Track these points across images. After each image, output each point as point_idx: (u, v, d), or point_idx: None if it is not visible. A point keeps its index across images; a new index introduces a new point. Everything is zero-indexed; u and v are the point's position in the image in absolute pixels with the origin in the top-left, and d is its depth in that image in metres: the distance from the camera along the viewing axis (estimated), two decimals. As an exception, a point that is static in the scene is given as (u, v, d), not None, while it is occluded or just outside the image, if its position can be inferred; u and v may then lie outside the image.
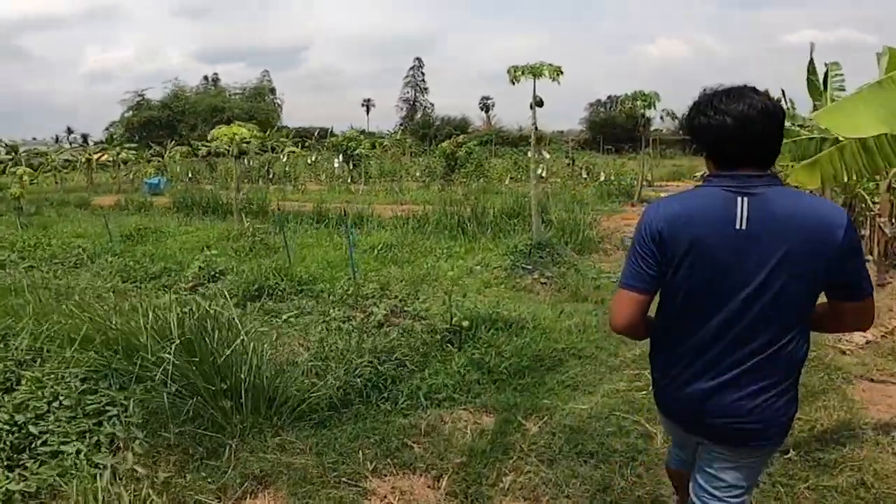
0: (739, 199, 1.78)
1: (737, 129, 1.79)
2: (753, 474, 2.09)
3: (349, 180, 25.61)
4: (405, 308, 6.25)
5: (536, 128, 8.89)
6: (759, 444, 1.97)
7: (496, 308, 5.89)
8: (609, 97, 62.67)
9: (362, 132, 59.38)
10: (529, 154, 9.12)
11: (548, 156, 22.80)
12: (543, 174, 21.86)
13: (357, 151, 25.52)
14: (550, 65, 8.18)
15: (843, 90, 12.31)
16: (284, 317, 6.18)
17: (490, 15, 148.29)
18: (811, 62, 12.92)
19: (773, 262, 1.77)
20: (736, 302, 1.82)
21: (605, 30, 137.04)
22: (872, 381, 5.05)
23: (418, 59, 77.95)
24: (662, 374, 2.06)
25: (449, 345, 5.34)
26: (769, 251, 1.77)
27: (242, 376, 3.95)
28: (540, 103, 8.27)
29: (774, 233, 1.76)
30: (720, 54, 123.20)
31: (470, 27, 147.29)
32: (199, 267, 7.93)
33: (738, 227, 1.78)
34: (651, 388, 2.23)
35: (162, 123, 61.09)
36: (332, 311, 6.29)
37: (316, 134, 52.27)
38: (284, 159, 28.50)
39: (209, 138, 14.74)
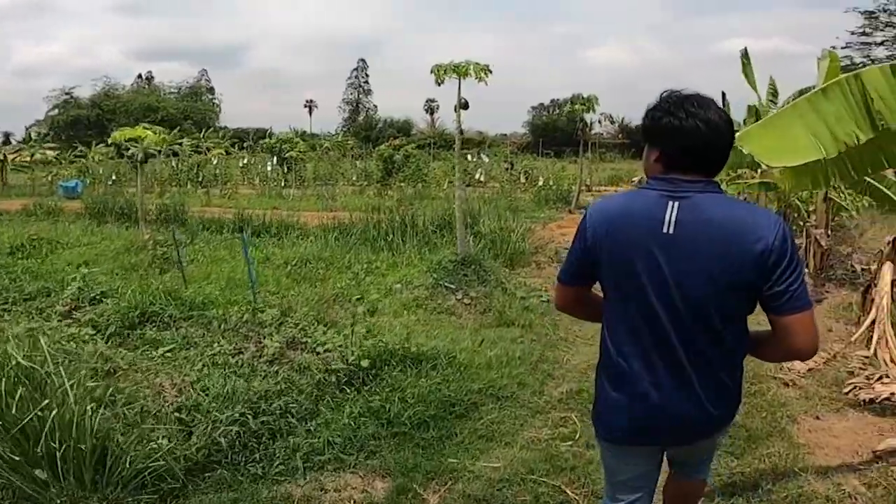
0: (671, 202, 1.78)
1: (709, 136, 1.79)
2: (713, 447, 2.31)
3: (283, 184, 24.51)
4: (306, 338, 5.42)
5: (462, 131, 8.13)
6: (706, 437, 2.05)
7: (407, 340, 5.12)
8: (552, 101, 63.12)
9: (303, 134, 58.01)
10: (455, 159, 8.35)
11: (487, 159, 22.26)
12: (482, 178, 21.32)
13: (289, 154, 24.41)
14: (477, 63, 7.47)
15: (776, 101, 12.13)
16: (161, 350, 5.26)
17: (439, 17, 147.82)
18: (748, 67, 12.72)
19: (699, 266, 1.76)
20: (666, 305, 1.81)
21: (552, 34, 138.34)
22: (818, 418, 4.53)
23: (362, 60, 76.82)
24: (608, 383, 1.99)
25: (347, 387, 4.55)
26: (695, 256, 1.76)
27: (59, 438, 3.10)
28: (465, 105, 7.56)
29: (702, 238, 1.75)
30: (661, 60, 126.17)
31: (418, 29, 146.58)
32: (79, 287, 6.89)
33: (664, 230, 1.78)
34: (595, 415, 2.11)
35: (91, 123, 58.15)
36: (221, 342, 5.41)
37: (252, 135, 50.74)
38: (215, 161, 27.08)
39: (109, 141, 13.51)
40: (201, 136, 42.03)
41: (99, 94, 61.36)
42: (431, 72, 7.45)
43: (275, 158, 25.22)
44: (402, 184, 21.35)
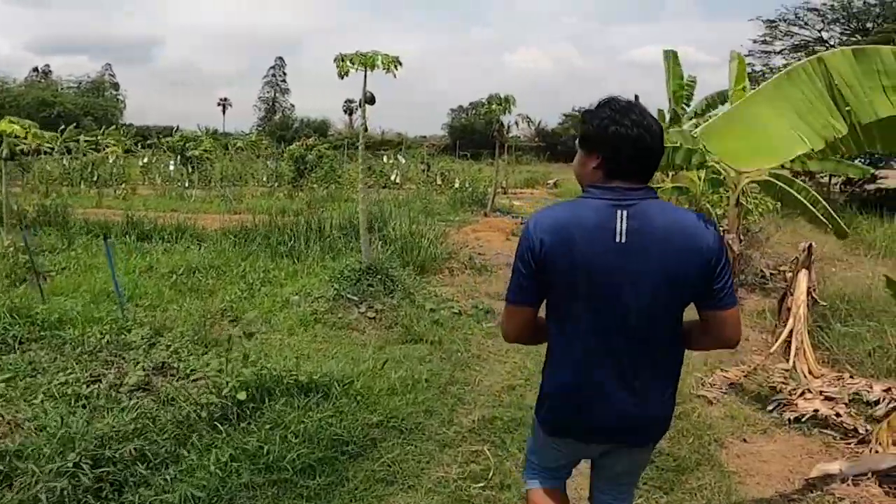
0: (619, 211, 1.79)
1: (653, 144, 1.83)
2: (643, 459, 2.22)
3: (186, 185, 22.96)
4: (178, 363, 4.62)
5: (366, 128, 7.40)
6: (644, 441, 2.07)
7: (296, 366, 4.42)
8: (471, 104, 63.14)
9: (213, 133, 55.34)
10: (359, 157, 7.66)
11: (403, 161, 21.65)
12: (398, 180, 20.67)
13: (193, 153, 22.91)
14: (386, 55, 6.83)
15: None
16: (-2, 380, 4.33)
17: (360, 18, 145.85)
18: (677, 65, 12.68)
19: (651, 273, 1.80)
20: (617, 313, 1.83)
21: (473, 38, 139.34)
22: (745, 441, 4.19)
23: (280, 58, 74.33)
24: (553, 383, 2.01)
25: (220, 424, 3.80)
26: (648, 263, 1.79)
27: None
28: (371, 100, 6.88)
29: (652, 245, 1.78)
30: (577, 66, 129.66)
31: (339, 29, 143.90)
32: None
33: (617, 239, 1.79)
34: (538, 409, 2.11)
35: (-24, 117, 53.12)
36: (74, 368, 4.53)
37: (157, 133, 48.04)
38: (111, 160, 25.09)
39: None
40: (100, 132, 39.31)
41: (-16, 88, 56.33)
42: (335, 62, 6.75)
43: (178, 158, 23.60)
44: (315, 185, 20.42)
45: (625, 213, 1.79)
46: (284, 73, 72.82)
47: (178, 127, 47.96)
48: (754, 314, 7.00)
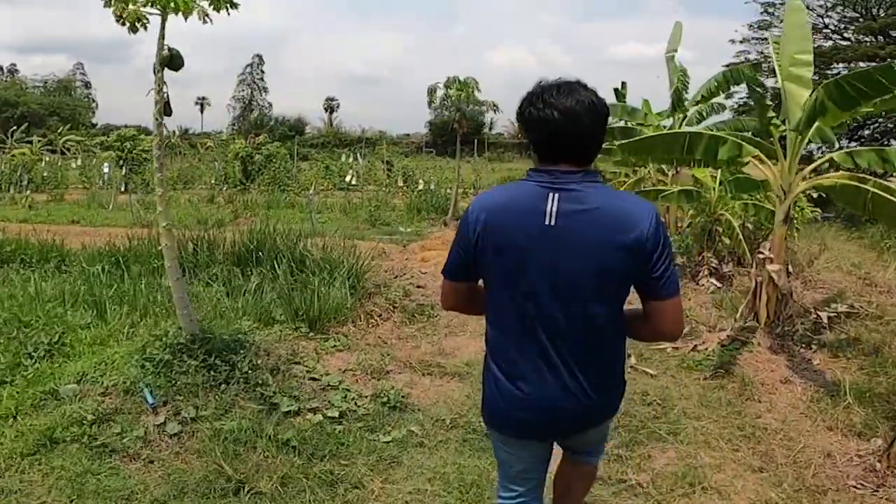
0: (551, 194, 1.74)
1: (563, 125, 1.74)
2: (605, 432, 2.21)
3: (122, 189, 20.12)
4: None
5: (169, 110, 4.28)
6: (596, 425, 2.00)
7: None
8: (450, 100, 60.33)
9: (185, 132, 52.29)
10: (154, 162, 4.66)
11: (361, 160, 18.92)
12: (353, 181, 17.90)
13: (130, 154, 20.04)
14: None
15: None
16: None
17: (340, 16, 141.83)
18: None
19: (581, 257, 1.74)
20: (549, 297, 1.77)
21: (454, 35, 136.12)
22: None
23: (258, 56, 71.00)
24: (495, 378, 1.91)
25: None
26: (577, 247, 1.73)
27: None
28: (171, 61, 4.05)
29: (582, 229, 1.72)
30: (560, 62, 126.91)
31: (319, 28, 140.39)
32: None
33: (547, 222, 1.74)
34: (484, 407, 2.00)
35: (-65, 118, 50.09)
36: None
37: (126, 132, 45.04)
38: (43, 163, 22.17)
39: None
40: (56, 133, 36.31)
41: (-57, 86, 53.17)
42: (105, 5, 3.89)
43: (119, 159, 20.69)
44: (262, 188, 17.68)
45: (556, 195, 1.73)
46: (262, 72, 69.58)
47: (139, 126, 45.22)
48: (821, 397, 4.32)
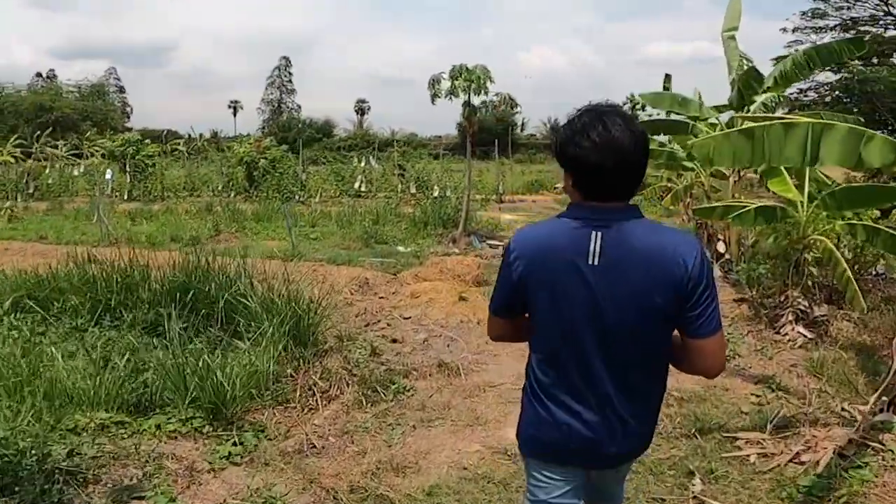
0: (593, 233, 1.67)
1: (606, 163, 1.63)
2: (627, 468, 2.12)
3: (126, 196, 18.84)
4: None
5: None
6: (628, 461, 1.98)
7: None
8: (482, 102, 58.45)
9: (215, 136, 51.55)
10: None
11: (376, 164, 17.15)
12: (362, 188, 16.14)
13: (134, 159, 18.71)
14: None
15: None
16: None
17: (371, 18, 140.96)
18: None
19: (623, 297, 1.66)
20: (592, 335, 1.71)
21: (483, 35, 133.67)
22: None
23: (285, 58, 70.10)
24: (535, 407, 1.86)
25: None
26: (620, 285, 1.66)
27: None
28: None
29: (626, 267, 1.66)
30: (589, 62, 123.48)
31: (350, 31, 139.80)
32: None
33: (590, 262, 1.67)
34: (521, 434, 1.93)
35: (-28, 124, 50.41)
36: None
37: (162, 137, 44.87)
38: (48, 170, 21.08)
39: None
40: (83, 138, 35.61)
41: (-19, 94, 53.57)
42: None
43: (126, 164, 19.41)
44: (270, 194, 16.08)
45: (599, 234, 1.67)
46: (290, 73, 68.57)
47: (167, 130, 44.50)
48: None
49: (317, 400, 4.18)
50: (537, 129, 56.60)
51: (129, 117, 65.77)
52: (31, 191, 20.79)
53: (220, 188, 19.29)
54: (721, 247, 7.59)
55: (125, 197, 18.69)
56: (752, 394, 4.42)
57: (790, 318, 5.22)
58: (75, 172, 20.46)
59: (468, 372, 4.75)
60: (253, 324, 4.77)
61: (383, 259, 8.27)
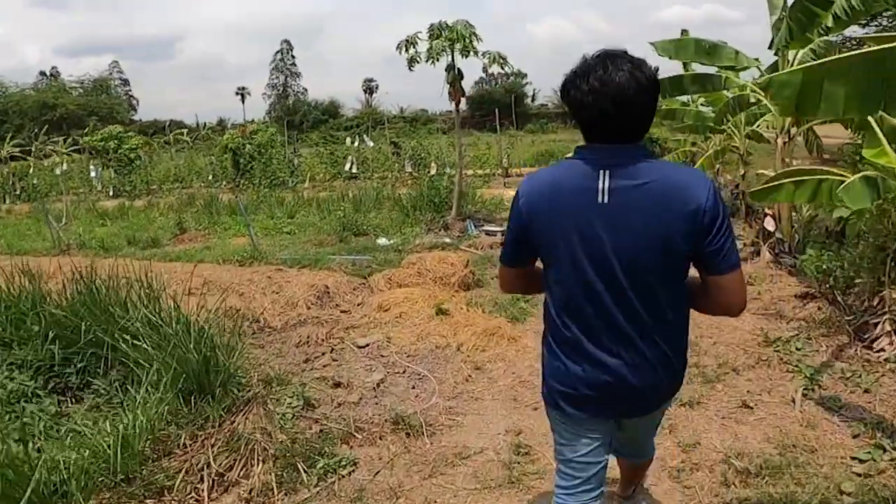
0: (602, 172, 1.63)
1: (611, 105, 1.59)
2: (660, 418, 2.14)
3: (109, 193, 17.65)
4: None
5: None
6: (658, 405, 1.91)
7: None
8: (490, 74, 56.39)
9: (220, 123, 50.25)
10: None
11: (371, 143, 15.66)
12: (353, 169, 14.68)
13: (116, 153, 17.45)
14: None
15: None
16: None
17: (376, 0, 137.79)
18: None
19: (637, 233, 1.63)
20: (607, 275, 1.67)
21: (492, 12, 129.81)
22: None
23: (286, 41, 68.21)
24: (557, 357, 1.82)
25: None
26: (633, 223, 1.62)
27: None
28: None
29: (637, 205, 1.61)
30: (602, 30, 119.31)
31: (355, 13, 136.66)
32: None
33: (600, 200, 1.63)
34: (546, 387, 1.89)
35: (-22, 124, 49.80)
36: None
37: (167, 128, 43.86)
38: (32, 169, 19.92)
39: None
40: (83, 133, 34.56)
41: (-16, 93, 52.84)
42: None
43: (109, 161, 18.18)
44: (253, 182, 14.73)
45: (607, 172, 1.62)
46: (293, 57, 66.69)
47: (167, 121, 43.22)
48: None
49: (207, 488, 2.83)
50: (549, 98, 54.27)
51: (135, 110, 64.82)
52: (17, 192, 19.77)
53: (210, 178, 17.98)
54: (769, 223, 6.04)
55: (110, 193, 17.49)
56: (851, 457, 2.96)
57: (886, 327, 3.71)
58: (57, 171, 19.23)
59: (436, 430, 3.35)
60: (145, 366, 3.43)
61: (357, 257, 6.86)
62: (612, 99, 1.56)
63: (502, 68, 7.45)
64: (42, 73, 63.68)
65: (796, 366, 4.05)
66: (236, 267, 7.02)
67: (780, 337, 4.49)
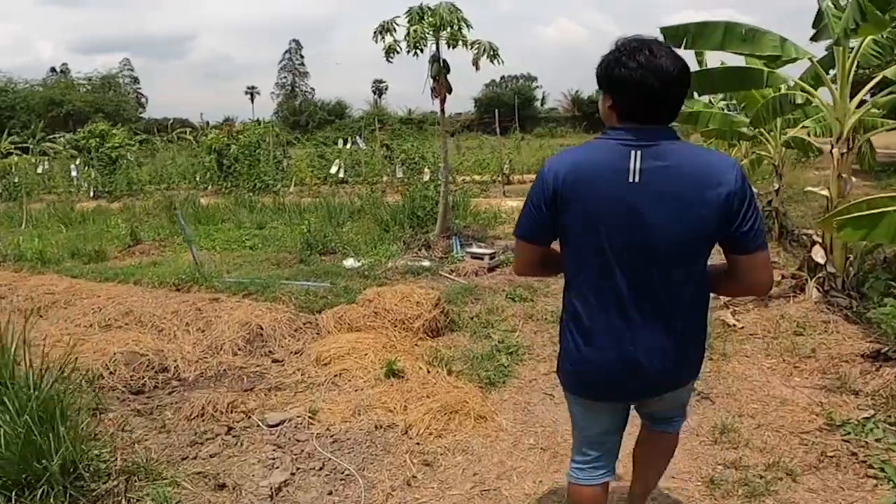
0: (633, 152, 1.62)
1: (655, 84, 1.60)
2: (686, 395, 2.08)
3: (90, 194, 16.60)
4: None
5: None
6: (680, 386, 1.89)
7: None
8: (503, 77, 55.09)
9: (226, 121, 49.32)
10: None
11: (363, 146, 14.49)
12: (340, 174, 13.49)
13: (98, 152, 16.38)
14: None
15: None
16: None
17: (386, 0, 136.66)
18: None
19: (666, 214, 1.61)
20: (632, 254, 1.65)
21: (502, 14, 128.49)
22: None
23: (295, 41, 67.38)
24: (575, 339, 1.79)
25: None
26: (663, 203, 1.61)
27: None
28: None
29: (667, 185, 1.61)
30: (612, 33, 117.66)
31: (365, 13, 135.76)
32: None
33: (630, 180, 1.61)
34: (559, 366, 1.91)
35: (-14, 121, 49.26)
36: None
37: (170, 126, 43.04)
38: (13, 167, 18.91)
39: None
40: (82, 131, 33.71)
41: (-7, 89, 52.34)
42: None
43: (95, 160, 17.12)
44: (233, 185, 13.60)
45: (639, 153, 1.61)
46: (301, 57, 65.71)
47: (170, 119, 42.29)
48: None
49: None
50: (559, 102, 52.91)
51: (143, 108, 64.15)
52: (-1, 191, 18.82)
53: (198, 180, 16.89)
54: (818, 254, 4.80)
55: (91, 194, 16.43)
56: None
57: None
58: (39, 170, 18.22)
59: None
60: None
61: (313, 283, 5.67)
62: (658, 78, 1.57)
63: (492, 62, 6.24)
64: (52, 70, 63.20)
65: (881, 468, 2.86)
66: (171, 292, 5.87)
67: (850, 419, 3.27)
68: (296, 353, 4.26)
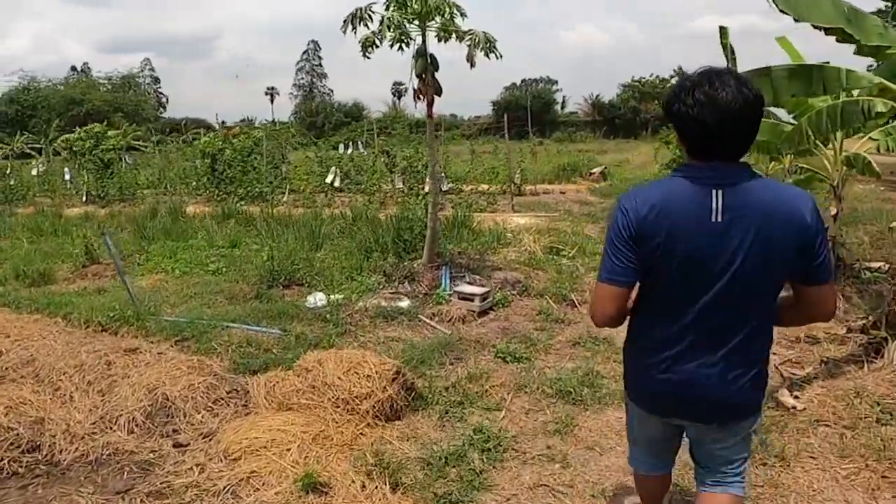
0: (714, 191, 1.62)
1: (719, 123, 1.58)
2: (744, 444, 1.98)
3: (82, 199, 15.81)
4: None
5: None
6: (737, 419, 1.87)
7: None
8: (523, 80, 53.91)
9: (243, 121, 48.81)
10: None
11: (365, 152, 13.47)
12: (337, 182, 12.47)
13: (92, 153, 15.57)
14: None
15: None
16: None
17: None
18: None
19: (749, 253, 1.63)
20: (713, 292, 1.67)
21: (524, 18, 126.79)
22: None
23: (314, 42, 66.74)
24: (640, 362, 1.85)
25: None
26: (745, 242, 1.62)
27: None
28: None
29: (749, 224, 1.62)
30: (633, 38, 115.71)
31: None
32: None
33: (713, 219, 1.63)
34: (627, 387, 2.00)
35: (8, 119, 49.50)
36: None
37: (184, 127, 42.73)
38: (9, 169, 18.22)
39: None
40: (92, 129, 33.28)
41: (15, 88, 52.47)
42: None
43: (83, 162, 16.34)
44: (226, 194, 12.66)
45: (720, 192, 1.61)
46: (320, 58, 65.12)
47: (182, 118, 41.77)
48: None
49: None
50: (579, 106, 51.45)
51: (164, 108, 64.12)
52: (-2, 194, 18.13)
53: (194, 185, 16.00)
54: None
55: (83, 199, 15.63)
56: None
57: None
58: (34, 172, 17.50)
59: None
60: None
61: (261, 329, 4.62)
62: (714, 115, 1.56)
63: (488, 56, 5.14)
64: (73, 69, 63.40)
65: None
66: (97, 333, 4.87)
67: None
68: (205, 438, 3.20)
